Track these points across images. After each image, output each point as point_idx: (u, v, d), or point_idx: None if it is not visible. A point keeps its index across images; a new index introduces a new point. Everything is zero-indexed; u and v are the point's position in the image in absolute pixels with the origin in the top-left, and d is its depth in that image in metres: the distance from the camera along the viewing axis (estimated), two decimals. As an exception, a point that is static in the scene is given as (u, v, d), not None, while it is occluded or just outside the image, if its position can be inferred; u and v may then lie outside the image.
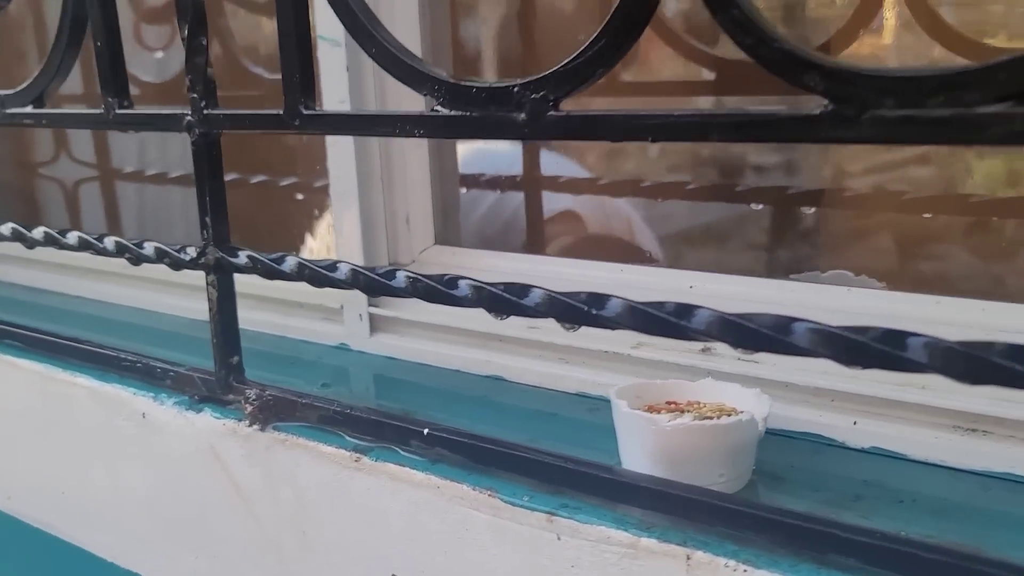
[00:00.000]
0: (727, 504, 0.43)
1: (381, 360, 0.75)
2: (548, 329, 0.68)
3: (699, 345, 0.61)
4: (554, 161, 0.91)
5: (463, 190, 0.97)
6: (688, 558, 0.44)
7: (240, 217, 1.05)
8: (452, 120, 0.47)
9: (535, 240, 0.92)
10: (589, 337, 0.65)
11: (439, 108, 0.48)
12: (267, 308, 0.84)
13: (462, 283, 0.48)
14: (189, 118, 0.59)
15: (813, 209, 0.77)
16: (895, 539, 0.39)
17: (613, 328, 0.45)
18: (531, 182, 0.93)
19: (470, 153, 0.97)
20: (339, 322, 0.78)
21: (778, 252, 0.80)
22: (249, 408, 0.62)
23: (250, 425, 0.62)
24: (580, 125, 0.43)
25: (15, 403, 0.82)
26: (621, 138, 0.42)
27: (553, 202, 0.91)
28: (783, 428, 0.56)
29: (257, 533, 0.64)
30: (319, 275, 0.55)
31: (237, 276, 0.61)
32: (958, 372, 0.35)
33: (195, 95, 0.59)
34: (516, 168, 0.94)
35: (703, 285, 0.64)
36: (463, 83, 0.46)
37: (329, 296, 0.79)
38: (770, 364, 0.58)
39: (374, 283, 0.52)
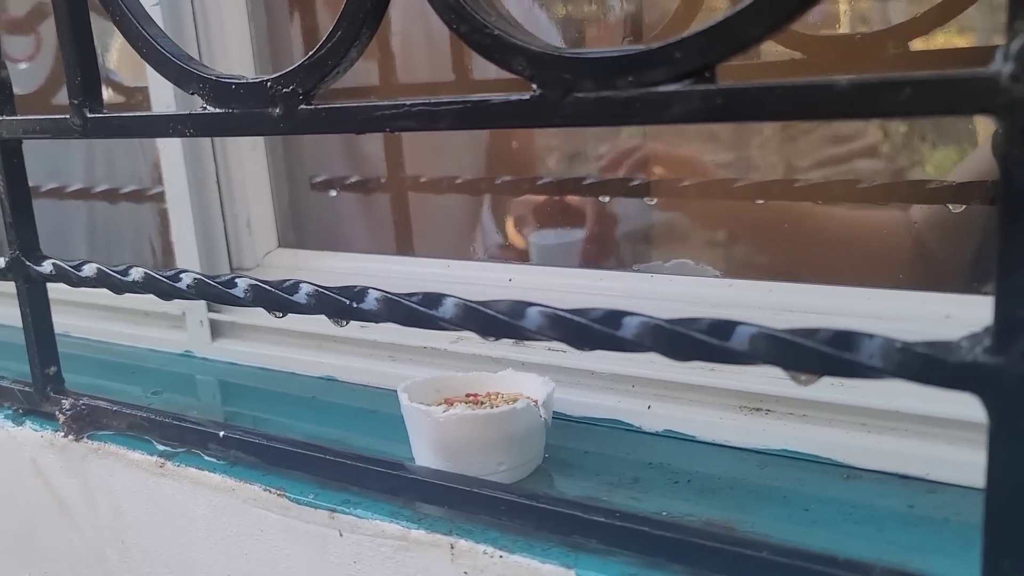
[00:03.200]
0: (485, 492, 0.43)
1: (223, 366, 0.75)
2: (377, 328, 0.67)
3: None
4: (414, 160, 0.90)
5: (333, 192, 0.97)
6: (452, 547, 0.44)
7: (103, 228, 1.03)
8: (217, 118, 0.47)
9: (400, 240, 0.92)
10: (413, 334, 0.65)
11: (206, 106, 0.47)
12: (117, 318, 0.83)
13: (302, 289, 0.46)
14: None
15: (654, 200, 0.78)
16: (628, 517, 0.39)
17: (375, 321, 0.45)
18: (394, 182, 0.93)
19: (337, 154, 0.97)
20: (183, 329, 0.77)
21: (621, 245, 0.81)
22: (62, 417, 0.61)
23: (65, 435, 0.61)
24: (327, 118, 0.43)
25: None
26: (363, 130, 0.43)
27: (416, 202, 0.91)
28: (585, 415, 0.56)
29: (80, 545, 0.63)
30: (115, 281, 0.55)
31: (87, 288, 0.59)
32: (666, 349, 0.36)
33: (-10, 102, 0.58)
34: (375, 169, 0.93)
35: (521, 278, 0.64)
36: (223, 80, 0.46)
37: (172, 304, 0.78)
38: (574, 354, 0.58)
39: (163, 287, 0.51)
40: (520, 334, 0.39)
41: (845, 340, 0.32)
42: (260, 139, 0.76)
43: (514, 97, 0.37)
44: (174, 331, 0.79)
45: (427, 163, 0.91)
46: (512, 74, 0.37)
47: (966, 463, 0.44)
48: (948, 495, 0.44)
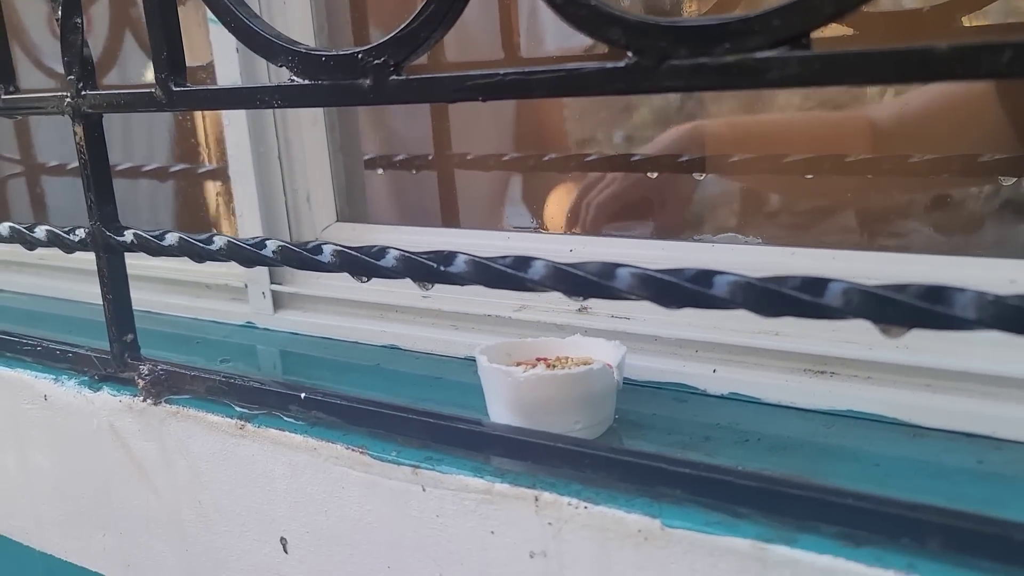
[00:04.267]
0: (568, 446, 0.45)
1: (285, 336, 0.77)
2: (440, 297, 0.70)
3: (575, 305, 0.63)
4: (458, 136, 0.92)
5: (379, 170, 0.99)
6: (536, 499, 0.46)
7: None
8: (306, 89, 0.49)
9: (447, 216, 0.94)
10: (476, 303, 0.67)
11: (294, 78, 0.49)
12: (178, 291, 0.86)
13: (390, 253, 0.48)
14: (69, 100, 0.60)
15: (703, 175, 0.80)
16: (712, 468, 0.41)
17: (463, 284, 0.47)
18: (441, 160, 0.95)
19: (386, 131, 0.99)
20: (244, 301, 0.80)
21: (672, 218, 0.83)
22: (142, 383, 0.63)
23: (144, 400, 0.63)
24: (418, 88, 0.45)
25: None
26: (453, 99, 0.44)
27: (463, 178, 0.93)
28: (651, 380, 0.58)
29: (157, 505, 0.65)
30: (198, 249, 0.57)
31: (147, 260, 0.62)
32: (757, 306, 0.38)
33: (72, 76, 0.60)
34: (426, 147, 0.95)
35: (582, 248, 0.66)
36: (313, 52, 0.48)
37: (233, 276, 0.80)
38: (639, 320, 0.60)
39: (250, 256, 0.53)
40: (611, 294, 0.41)
41: (937, 294, 0.34)
42: (320, 115, 0.78)
43: (610, 65, 0.39)
44: (236, 303, 0.81)
45: (475, 141, 0.92)
46: (607, 44, 0.39)
47: (1033, 421, 0.46)
48: (1016, 452, 0.46)
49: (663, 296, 0.40)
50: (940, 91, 0.67)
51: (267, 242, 0.53)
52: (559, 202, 0.88)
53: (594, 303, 0.63)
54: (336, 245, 0.51)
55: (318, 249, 0.51)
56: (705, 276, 0.39)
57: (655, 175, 0.83)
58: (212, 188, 0.93)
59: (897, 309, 0.34)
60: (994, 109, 0.66)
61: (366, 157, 0.92)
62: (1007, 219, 0.71)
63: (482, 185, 0.94)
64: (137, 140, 0.99)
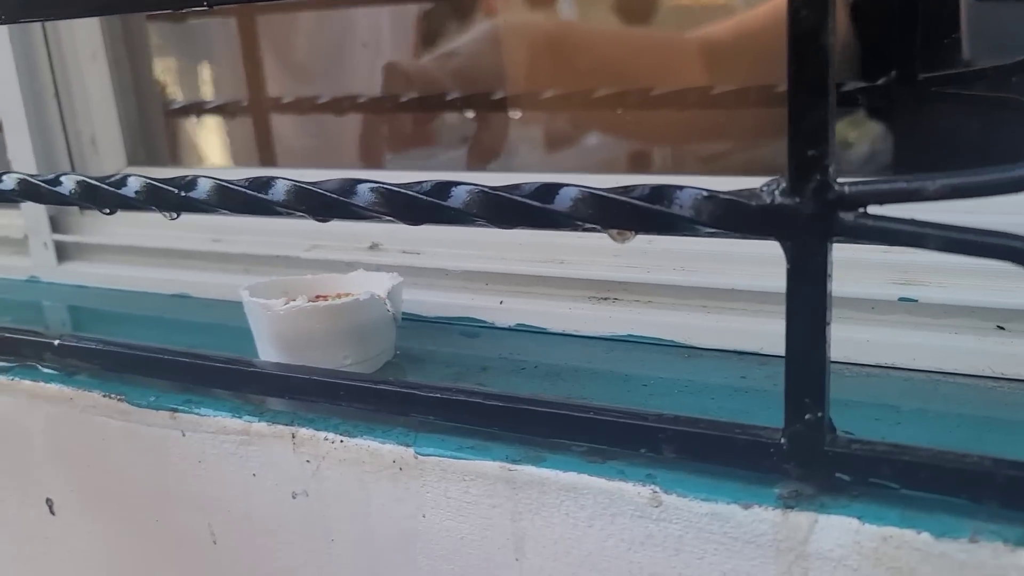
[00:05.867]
0: (323, 379, 0.43)
1: (70, 289, 0.72)
2: (230, 240, 0.66)
3: (367, 242, 0.61)
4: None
5: (193, 116, 0.93)
6: (293, 436, 0.43)
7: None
8: None
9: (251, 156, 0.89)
10: (266, 244, 0.64)
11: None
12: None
13: (132, 181, 0.44)
14: None
15: (519, 114, 0.78)
16: (465, 392, 0.39)
17: (207, 211, 0.43)
18: (255, 104, 0.90)
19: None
20: (26, 254, 0.73)
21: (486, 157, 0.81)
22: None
23: None
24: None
25: None
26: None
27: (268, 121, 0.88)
28: (441, 316, 0.56)
29: (-85, 474, 0.60)
30: (38, 189, 0.51)
31: None
32: (493, 216, 0.36)
33: None
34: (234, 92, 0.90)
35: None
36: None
37: (11, 227, 0.74)
38: (428, 254, 0.58)
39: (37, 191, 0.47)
40: (351, 212, 0.39)
41: (659, 193, 0.32)
42: (100, 50, 0.72)
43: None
44: (16, 256, 0.75)
45: (287, 84, 0.88)
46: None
47: (795, 335, 0.46)
48: (779, 366, 0.46)
49: (403, 211, 0.38)
50: None
51: (3, 177, 0.48)
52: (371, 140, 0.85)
53: (385, 240, 0.60)
54: (78, 176, 0.46)
55: (56, 181, 0.47)
56: (442, 188, 0.37)
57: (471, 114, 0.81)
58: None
59: (620, 211, 0.33)
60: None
61: (177, 105, 0.87)
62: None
63: (298, 128, 0.89)
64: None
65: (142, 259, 0.69)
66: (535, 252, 0.55)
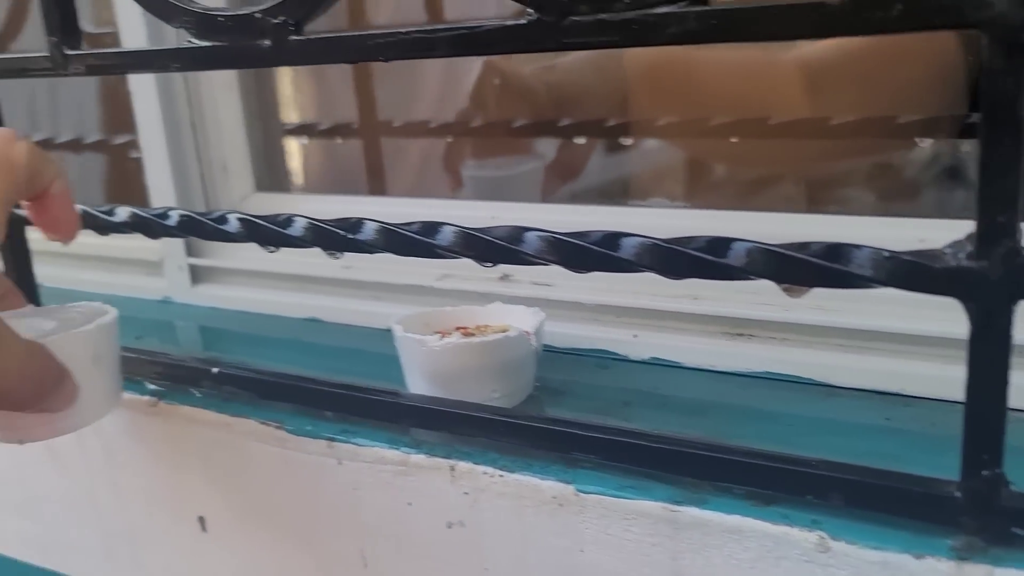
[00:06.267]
0: (483, 415, 0.45)
1: (203, 311, 0.75)
2: (360, 268, 0.68)
3: (498, 273, 0.63)
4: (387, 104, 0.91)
5: (305, 139, 0.97)
6: (452, 469, 0.45)
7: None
8: (205, 52, 0.47)
9: (373, 184, 0.92)
10: (397, 273, 0.66)
11: (192, 40, 0.47)
12: (91, 266, 0.83)
13: (297, 222, 0.46)
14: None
15: (631, 141, 0.79)
16: (624, 432, 0.41)
17: (372, 252, 0.45)
18: (367, 127, 0.93)
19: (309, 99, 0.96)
20: (160, 276, 0.77)
21: (601, 183, 0.83)
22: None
23: (53, 379, 0.61)
24: (319, 48, 0.43)
25: None
26: (356, 58, 0.43)
27: (389, 145, 0.91)
28: (573, 347, 0.58)
29: (72, 488, 0.63)
30: (100, 221, 0.55)
31: None
32: (663, 267, 0.37)
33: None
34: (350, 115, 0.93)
35: (503, 215, 0.65)
36: (210, 13, 0.46)
37: (149, 250, 0.78)
38: (560, 287, 0.59)
39: (200, 226, 0.50)
40: (518, 258, 0.40)
41: (836, 252, 0.33)
42: (235, 81, 0.75)
43: (510, 22, 0.38)
44: (152, 278, 0.78)
45: (400, 108, 0.91)
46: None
47: (939, 377, 0.47)
48: (923, 408, 0.47)
49: (571, 260, 0.39)
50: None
51: (171, 212, 0.51)
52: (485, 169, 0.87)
53: (516, 271, 0.62)
54: (242, 214, 0.49)
55: (223, 219, 0.49)
56: (612, 239, 0.38)
57: (583, 140, 0.82)
58: (124, 161, 0.90)
59: (797, 267, 0.34)
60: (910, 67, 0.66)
61: (288, 126, 0.90)
62: (925, 181, 0.72)
63: (409, 153, 0.92)
64: (42, 113, 0.95)
65: (272, 283, 0.72)
66: (668, 288, 0.56)
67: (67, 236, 0.49)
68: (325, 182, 0.91)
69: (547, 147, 0.83)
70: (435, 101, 0.91)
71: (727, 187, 0.81)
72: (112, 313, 0.49)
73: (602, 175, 0.83)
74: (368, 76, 0.92)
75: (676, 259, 0.36)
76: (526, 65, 0.81)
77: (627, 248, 0.38)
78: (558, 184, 0.82)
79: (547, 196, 0.83)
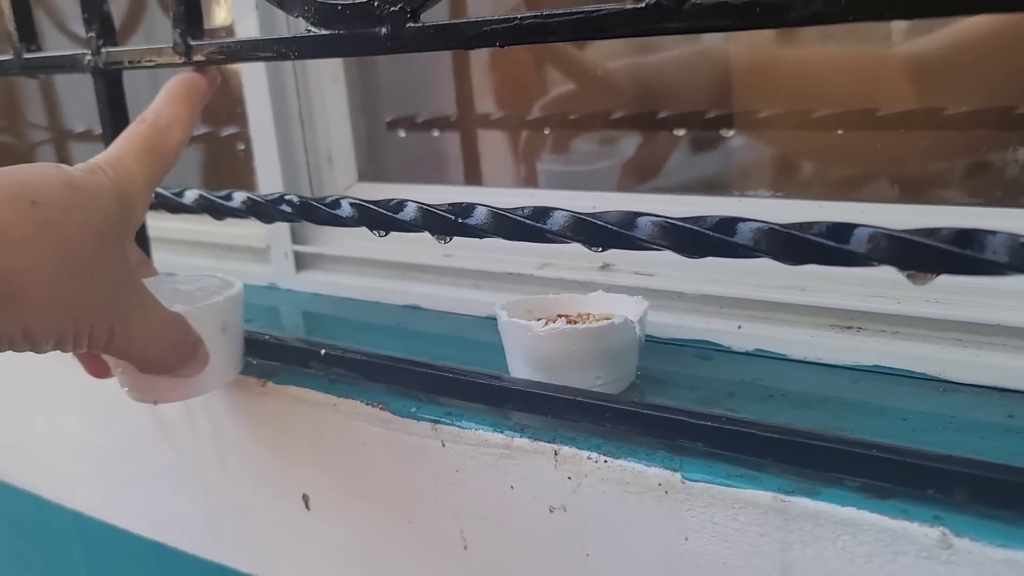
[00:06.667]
0: (589, 400, 0.45)
1: (307, 297, 0.77)
2: (461, 256, 0.69)
3: (599, 262, 0.62)
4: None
5: (402, 132, 0.98)
6: (556, 454, 0.45)
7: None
8: (323, 40, 0.48)
9: (471, 175, 0.93)
10: (498, 261, 0.67)
11: (311, 28, 0.48)
12: (201, 253, 0.86)
13: (409, 206, 0.48)
14: (90, 57, 0.60)
15: (731, 132, 0.78)
16: (733, 420, 0.40)
17: (481, 236, 0.46)
18: (465, 119, 0.93)
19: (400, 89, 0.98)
20: (267, 262, 0.80)
21: (701, 176, 0.81)
22: (164, 341, 0.63)
23: (167, 358, 0.64)
24: (436, 35, 0.44)
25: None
26: (472, 45, 0.43)
27: (486, 138, 0.92)
28: (675, 337, 0.57)
29: (181, 463, 0.66)
30: (217, 206, 0.57)
31: (171, 224, 0.60)
32: (781, 253, 0.37)
33: (92, 34, 0.59)
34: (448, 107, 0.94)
35: (604, 203, 0.65)
36: (330, 1, 0.47)
37: (256, 237, 0.80)
38: (662, 276, 0.59)
39: (316, 212, 0.51)
40: (630, 243, 0.40)
41: (968, 237, 0.32)
42: (340, 72, 0.77)
43: (629, 6, 0.38)
44: (258, 264, 0.81)
45: (499, 100, 0.91)
46: (628, -16, 0.37)
47: (1067, 376, 0.45)
48: (1048, 406, 0.45)
49: (684, 245, 0.39)
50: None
51: (286, 197, 0.53)
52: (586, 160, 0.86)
53: (617, 260, 0.62)
54: (354, 199, 0.50)
55: (336, 203, 0.51)
56: (728, 223, 0.38)
57: (681, 132, 0.81)
58: (233, 151, 0.93)
59: (925, 254, 0.33)
60: None
61: (388, 119, 0.92)
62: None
63: (507, 145, 0.93)
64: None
65: (375, 271, 0.73)
66: (774, 278, 0.55)
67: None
68: (423, 173, 0.92)
69: (645, 140, 0.83)
70: (533, 95, 0.91)
71: (831, 180, 0.79)
72: (238, 286, 0.52)
73: (702, 168, 0.82)
74: (466, 70, 0.93)
75: (795, 245, 0.36)
76: (617, 59, 0.81)
77: (744, 233, 0.37)
78: (656, 176, 0.82)
79: (645, 188, 0.82)
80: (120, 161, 0.46)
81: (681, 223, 0.39)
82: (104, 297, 0.41)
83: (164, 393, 0.51)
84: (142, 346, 0.44)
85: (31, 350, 0.40)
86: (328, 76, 0.76)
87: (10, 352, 0.39)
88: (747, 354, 0.55)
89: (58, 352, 0.41)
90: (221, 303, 0.51)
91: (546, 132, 0.86)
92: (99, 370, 0.53)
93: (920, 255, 0.33)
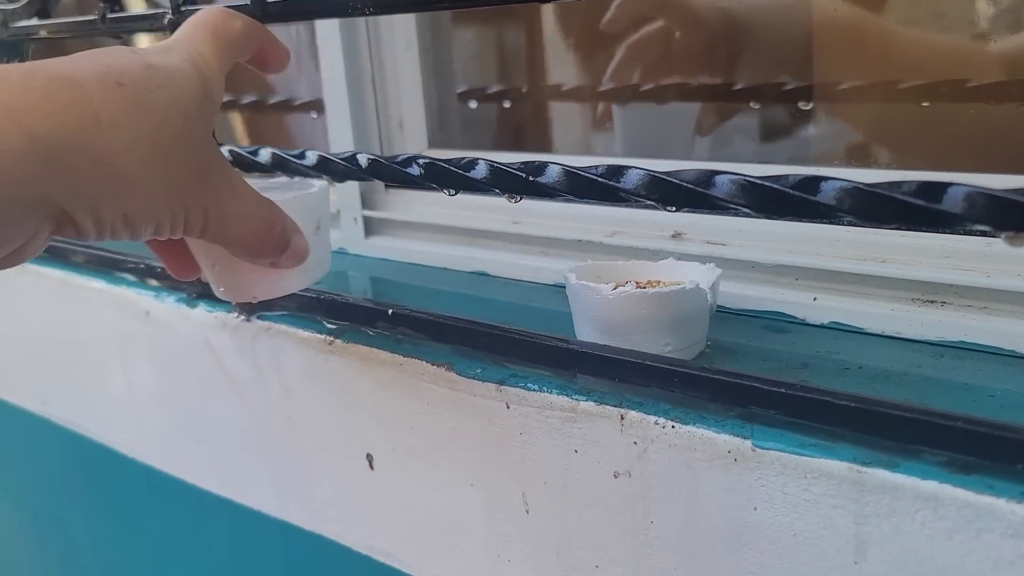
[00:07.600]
0: (657, 364, 0.44)
1: (375, 262, 0.77)
2: (530, 223, 0.69)
3: (670, 230, 0.61)
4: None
5: (472, 103, 0.98)
6: (622, 418, 0.45)
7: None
8: (397, -5, 0.48)
9: (541, 146, 0.92)
10: (567, 228, 0.66)
11: (386, -15, 0.48)
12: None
13: (480, 164, 0.47)
14: (169, 16, 0.61)
15: (810, 105, 0.75)
16: (808, 388, 0.39)
17: (553, 196, 0.45)
18: (535, 90, 0.93)
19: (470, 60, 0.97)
20: (336, 227, 0.80)
21: (779, 149, 0.79)
22: (235, 299, 0.64)
23: (238, 316, 0.65)
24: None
25: (43, 311, 0.87)
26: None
27: (557, 109, 0.91)
28: (747, 308, 0.56)
29: (249, 420, 0.67)
30: (292, 164, 0.57)
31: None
32: (867, 213, 0.35)
33: (171, -8, 0.60)
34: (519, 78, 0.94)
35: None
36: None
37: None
38: (737, 246, 0.58)
39: (390, 170, 0.51)
40: (707, 202, 0.39)
41: (1072, 196, 0.30)
42: (414, 38, 0.77)
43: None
44: (328, 228, 0.81)
45: (569, 72, 0.90)
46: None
47: None
48: None
49: (764, 204, 0.38)
50: None
51: (358, 156, 0.53)
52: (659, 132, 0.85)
53: (689, 229, 0.61)
54: (426, 158, 0.50)
55: (408, 162, 0.50)
56: (811, 182, 0.36)
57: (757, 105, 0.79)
58: (306, 119, 0.94)
59: (1027, 212, 0.31)
60: None
61: (460, 90, 0.92)
62: None
63: (577, 117, 0.92)
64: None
65: (442, 236, 0.73)
66: (853, 249, 0.53)
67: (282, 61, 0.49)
68: (494, 143, 0.92)
69: (720, 111, 0.81)
70: (605, 65, 0.90)
71: (918, 153, 0.76)
72: (325, 181, 0.53)
73: (780, 140, 0.80)
74: (539, 40, 0.92)
75: (883, 204, 0.34)
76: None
77: (827, 192, 0.36)
78: (731, 147, 0.80)
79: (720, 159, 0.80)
80: (190, 43, 0.43)
81: (761, 181, 0.37)
82: (197, 179, 0.39)
83: (262, 289, 0.50)
84: (237, 228, 0.42)
85: (130, 237, 0.38)
86: (402, 41, 0.76)
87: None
88: (822, 327, 0.53)
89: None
90: (315, 194, 0.52)
91: (616, 105, 0.84)
92: (185, 269, 0.51)
93: (1022, 215, 0.31)
